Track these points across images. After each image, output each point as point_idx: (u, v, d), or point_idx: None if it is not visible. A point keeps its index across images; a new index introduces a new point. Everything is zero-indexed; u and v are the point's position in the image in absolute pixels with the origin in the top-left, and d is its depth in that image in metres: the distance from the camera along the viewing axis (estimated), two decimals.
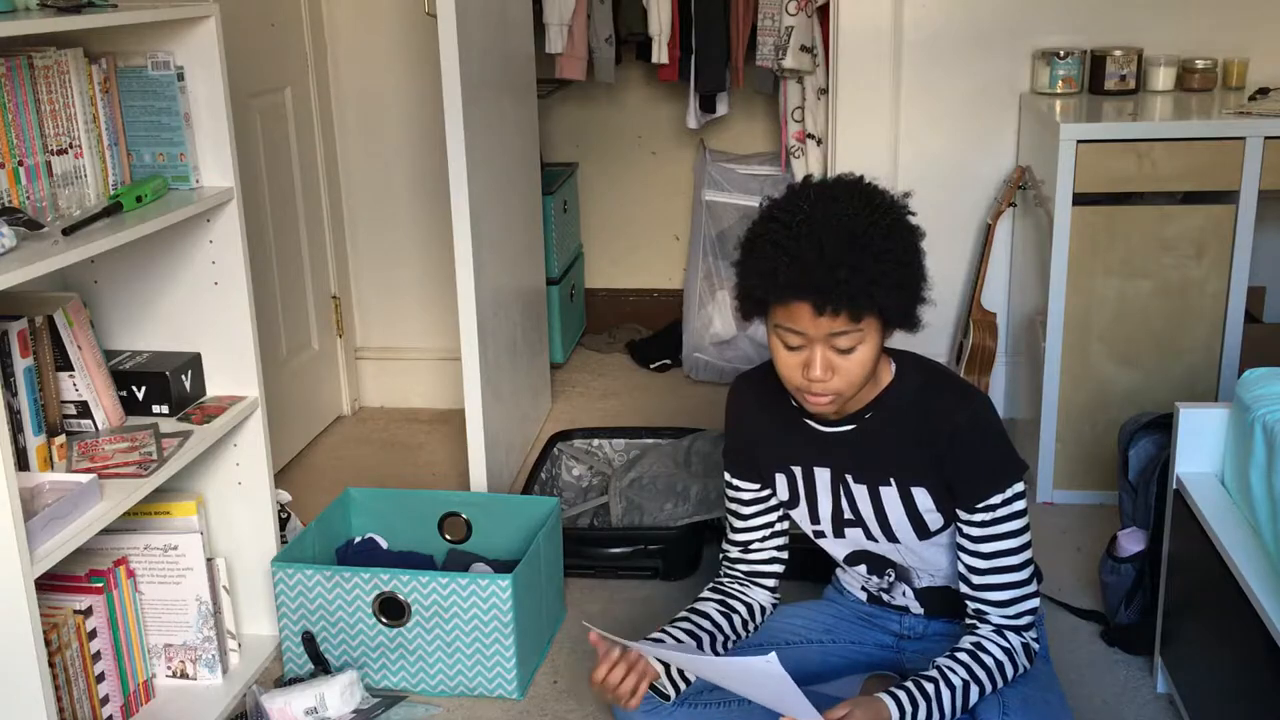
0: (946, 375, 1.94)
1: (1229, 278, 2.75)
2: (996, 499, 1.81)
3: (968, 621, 1.89)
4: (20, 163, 1.86)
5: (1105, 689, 2.25)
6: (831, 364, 1.72)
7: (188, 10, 2.09)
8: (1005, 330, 3.29)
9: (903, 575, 2.00)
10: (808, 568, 2.26)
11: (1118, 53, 3.04)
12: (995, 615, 1.84)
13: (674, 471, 2.91)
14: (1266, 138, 2.66)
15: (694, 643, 1.94)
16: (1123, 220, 2.77)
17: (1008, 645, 1.83)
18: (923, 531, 1.90)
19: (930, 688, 1.77)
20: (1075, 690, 2.21)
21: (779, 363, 1.77)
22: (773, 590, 2.07)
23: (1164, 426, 2.26)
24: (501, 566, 2.47)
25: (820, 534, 1.99)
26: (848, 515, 1.95)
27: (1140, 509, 2.31)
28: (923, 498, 1.87)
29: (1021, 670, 1.84)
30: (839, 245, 1.65)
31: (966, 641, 1.84)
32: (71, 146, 1.97)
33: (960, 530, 1.86)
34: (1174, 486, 2.08)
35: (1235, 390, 1.97)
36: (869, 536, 1.95)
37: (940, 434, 1.82)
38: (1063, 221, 2.75)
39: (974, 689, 1.79)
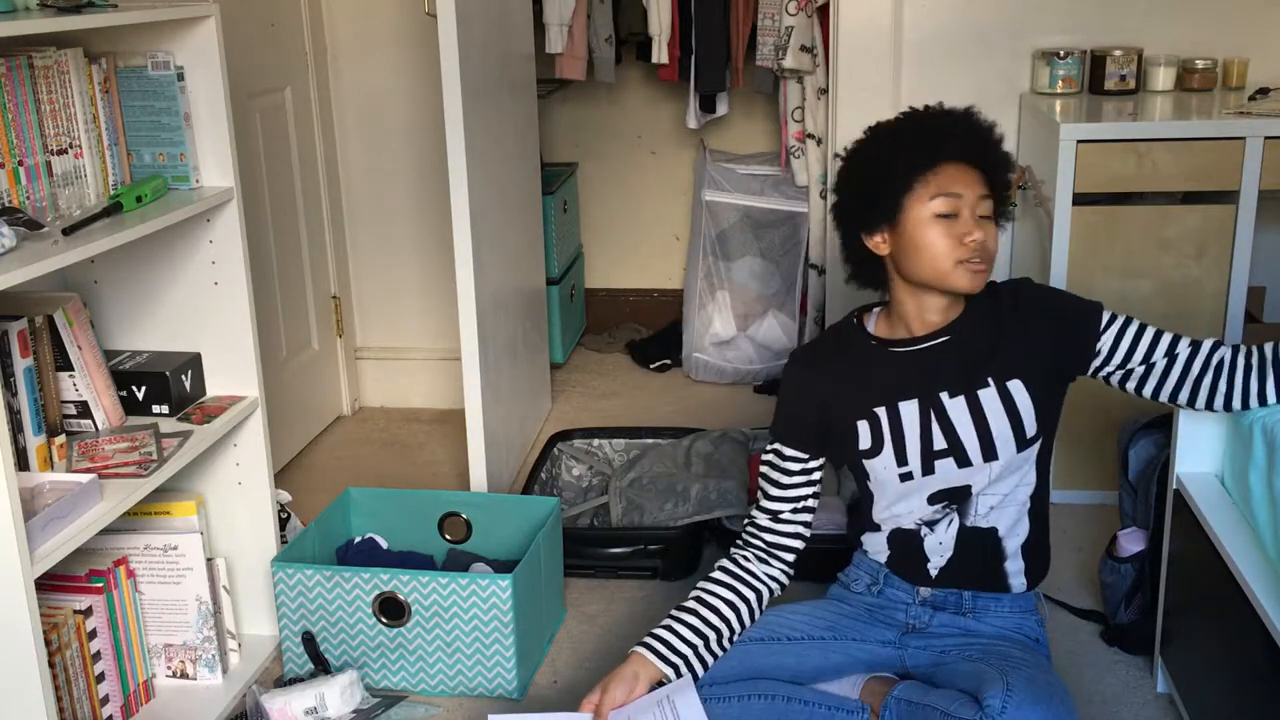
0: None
1: (1229, 278, 2.75)
2: (1106, 314, 1.94)
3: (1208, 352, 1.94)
4: (20, 163, 1.86)
5: (1105, 689, 2.25)
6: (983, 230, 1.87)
7: (188, 10, 2.09)
8: None
9: (961, 507, 2.00)
10: (812, 567, 2.26)
11: (1118, 53, 3.04)
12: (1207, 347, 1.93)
13: (674, 471, 2.91)
14: (1266, 138, 2.66)
15: (701, 642, 1.96)
16: (1123, 220, 2.77)
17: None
18: (1021, 439, 1.93)
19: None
20: (1075, 690, 2.21)
21: (936, 243, 1.87)
22: (787, 566, 2.08)
23: (1164, 426, 2.26)
24: (501, 566, 2.47)
25: (907, 475, 1.99)
26: (939, 445, 1.95)
27: (1140, 509, 2.31)
28: (1020, 394, 1.92)
29: None
30: (978, 120, 1.92)
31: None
32: (71, 146, 1.97)
33: (1121, 352, 1.93)
34: (1174, 486, 2.08)
35: None
36: (963, 462, 1.95)
37: (1028, 309, 1.95)
38: (1063, 221, 2.75)
39: None
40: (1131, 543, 2.32)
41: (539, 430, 3.47)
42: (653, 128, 4.21)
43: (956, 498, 1.99)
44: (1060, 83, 3.08)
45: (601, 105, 4.20)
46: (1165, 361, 1.92)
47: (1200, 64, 3.04)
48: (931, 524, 2.02)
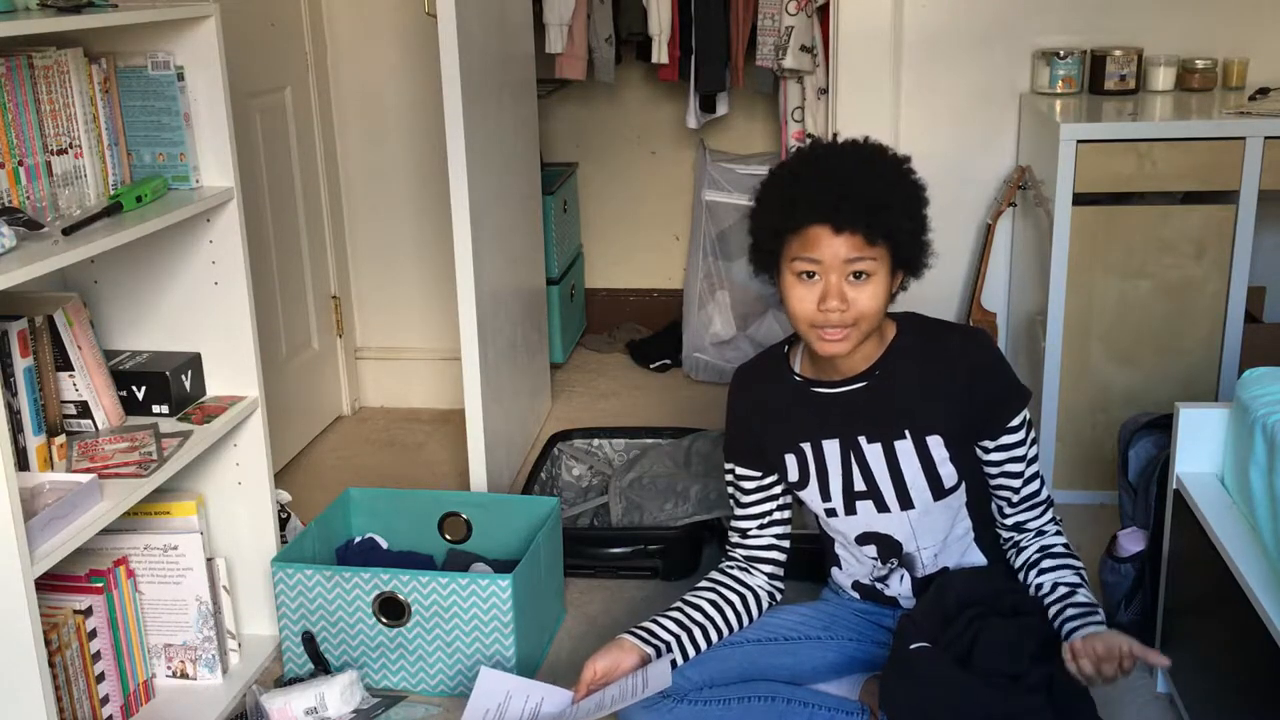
0: (942, 321, 2.01)
1: (1229, 278, 2.75)
2: (1023, 415, 1.92)
3: (1014, 543, 1.98)
4: (20, 163, 1.86)
5: (1105, 689, 2.24)
6: (846, 295, 1.78)
7: (188, 10, 2.09)
8: (1005, 330, 3.29)
9: (906, 562, 2.01)
10: (808, 568, 2.26)
11: (1118, 53, 3.04)
12: (1042, 524, 1.97)
13: (674, 471, 2.91)
14: (1266, 138, 2.66)
15: (685, 634, 1.98)
16: (1123, 220, 2.77)
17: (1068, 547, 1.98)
18: (938, 489, 1.93)
19: (1082, 594, 1.89)
20: None
21: (794, 303, 1.83)
22: (771, 577, 2.09)
23: (1164, 426, 2.26)
24: (501, 566, 2.47)
25: (831, 512, 2.01)
26: (859, 486, 1.96)
27: (1140, 509, 2.31)
28: (937, 447, 1.91)
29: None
30: (854, 169, 1.80)
31: (1049, 566, 1.94)
32: (71, 146, 1.97)
33: (992, 458, 1.94)
34: (1174, 486, 2.08)
35: (1235, 390, 1.97)
36: (881, 508, 1.96)
37: (957, 372, 1.89)
38: (1063, 221, 2.75)
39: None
40: (1131, 543, 2.32)
41: (539, 430, 3.47)
42: (653, 128, 4.21)
43: (891, 549, 2.01)
44: (1060, 83, 3.07)
45: (601, 105, 4.20)
46: (1003, 498, 1.98)
47: (1200, 64, 3.04)
48: (883, 579, 2.05)
